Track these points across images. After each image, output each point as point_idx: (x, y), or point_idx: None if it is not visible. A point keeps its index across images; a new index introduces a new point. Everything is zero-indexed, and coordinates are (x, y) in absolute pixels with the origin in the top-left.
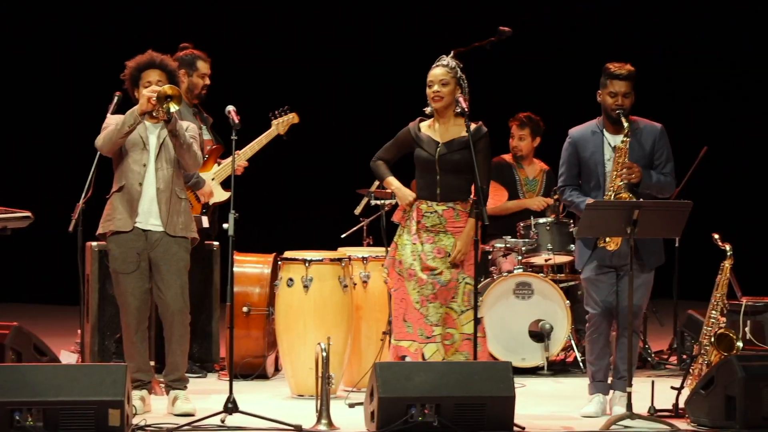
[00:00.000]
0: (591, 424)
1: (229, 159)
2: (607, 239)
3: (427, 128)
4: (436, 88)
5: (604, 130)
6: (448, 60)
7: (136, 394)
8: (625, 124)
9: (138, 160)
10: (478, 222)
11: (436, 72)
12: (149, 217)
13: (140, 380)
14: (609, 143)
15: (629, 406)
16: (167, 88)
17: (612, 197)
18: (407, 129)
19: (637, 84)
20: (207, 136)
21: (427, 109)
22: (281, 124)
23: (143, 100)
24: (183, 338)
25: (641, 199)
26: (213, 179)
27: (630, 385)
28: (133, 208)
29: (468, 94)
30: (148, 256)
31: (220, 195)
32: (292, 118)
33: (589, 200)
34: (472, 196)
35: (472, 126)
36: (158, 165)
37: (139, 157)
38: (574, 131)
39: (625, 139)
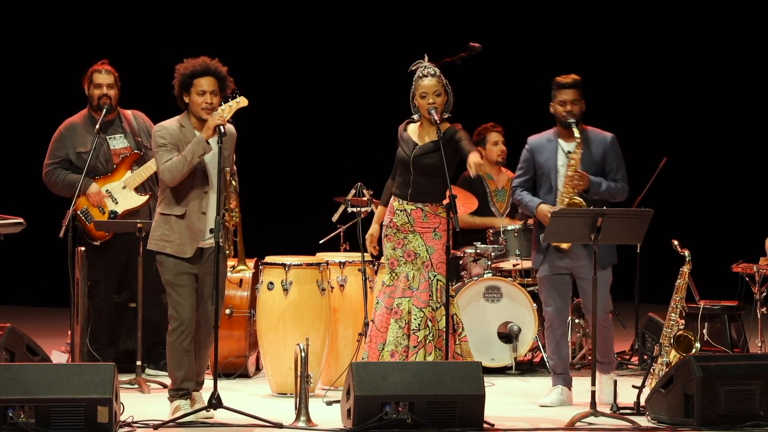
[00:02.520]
0: (557, 420)
1: (144, 166)
2: None
3: (411, 129)
4: (431, 99)
5: (559, 138)
6: (434, 68)
7: (182, 404)
8: (576, 134)
9: (200, 188)
10: (449, 225)
11: (430, 83)
12: (206, 236)
13: (185, 389)
14: (563, 149)
15: (593, 403)
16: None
17: (565, 203)
18: (398, 131)
19: (600, 96)
20: (123, 144)
21: (416, 116)
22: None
23: (210, 131)
24: (211, 346)
25: (591, 206)
26: (124, 187)
27: (596, 382)
28: (194, 236)
29: (452, 97)
30: (199, 270)
31: (134, 201)
32: (239, 102)
33: (542, 204)
34: (445, 201)
35: (447, 126)
36: (215, 190)
37: (200, 184)
38: (532, 139)
39: (576, 150)
